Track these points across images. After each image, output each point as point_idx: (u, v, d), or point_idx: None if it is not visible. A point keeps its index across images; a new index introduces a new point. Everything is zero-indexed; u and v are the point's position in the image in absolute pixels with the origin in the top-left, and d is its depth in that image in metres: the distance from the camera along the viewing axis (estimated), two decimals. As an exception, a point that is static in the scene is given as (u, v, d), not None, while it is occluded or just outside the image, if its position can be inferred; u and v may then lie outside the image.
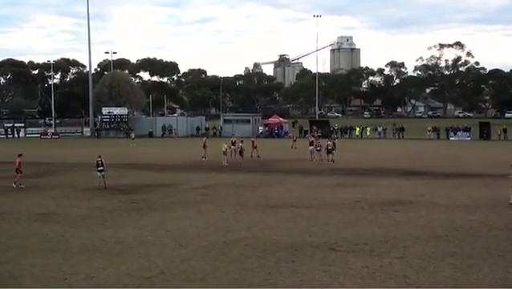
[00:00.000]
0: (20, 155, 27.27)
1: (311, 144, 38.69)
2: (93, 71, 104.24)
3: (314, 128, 67.13)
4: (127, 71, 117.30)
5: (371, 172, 32.56)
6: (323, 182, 27.81)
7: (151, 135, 76.02)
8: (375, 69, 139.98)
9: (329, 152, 37.70)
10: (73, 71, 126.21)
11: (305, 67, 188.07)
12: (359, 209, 20.09)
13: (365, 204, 21.12)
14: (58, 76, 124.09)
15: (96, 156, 26.69)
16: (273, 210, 19.98)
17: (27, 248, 14.72)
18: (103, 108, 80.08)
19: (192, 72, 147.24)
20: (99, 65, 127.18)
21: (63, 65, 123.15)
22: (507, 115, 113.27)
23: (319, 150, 37.50)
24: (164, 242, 15.24)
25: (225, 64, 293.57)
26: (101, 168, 25.91)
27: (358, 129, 73.20)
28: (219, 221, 18.19)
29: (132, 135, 63.90)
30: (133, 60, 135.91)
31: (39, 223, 18.07)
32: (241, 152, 36.43)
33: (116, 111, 79.62)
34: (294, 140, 49.28)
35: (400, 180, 28.75)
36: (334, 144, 39.43)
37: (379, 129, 73.64)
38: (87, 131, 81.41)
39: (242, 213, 19.45)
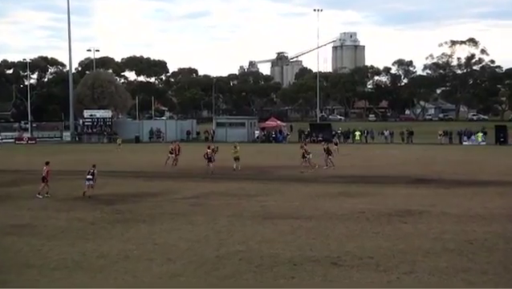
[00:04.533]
0: (48, 163, 27.28)
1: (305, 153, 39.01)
2: (74, 71, 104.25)
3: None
4: (111, 71, 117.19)
5: (377, 179, 32.57)
6: (325, 191, 27.81)
7: (137, 140, 75.96)
8: (381, 68, 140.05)
9: (329, 154, 38.62)
10: (51, 70, 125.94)
11: (305, 65, 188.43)
12: (364, 221, 20.10)
13: (370, 214, 21.13)
14: (35, 76, 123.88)
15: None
16: (270, 222, 19.97)
17: (0, 264, 14.66)
18: (85, 111, 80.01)
19: (182, 71, 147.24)
20: (80, 64, 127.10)
21: (41, 64, 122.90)
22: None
23: (307, 157, 37.81)
24: (152, 257, 15.21)
25: (218, 63, 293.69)
26: (89, 176, 26.24)
27: (358, 133, 73.22)
28: (211, 233, 18.17)
29: (119, 140, 63.89)
30: (118, 58, 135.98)
31: (13, 237, 18.00)
32: (210, 159, 36.57)
33: (99, 114, 79.57)
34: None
35: (409, 188, 28.77)
36: (329, 148, 39.64)
37: (386, 133, 73.76)
38: (66, 135, 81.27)
39: (237, 225, 19.44)
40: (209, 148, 37.90)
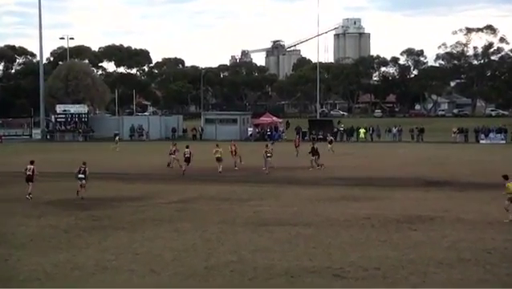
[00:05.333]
0: (32, 162, 27.96)
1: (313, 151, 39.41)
2: (45, 61, 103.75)
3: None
4: (87, 61, 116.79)
5: (384, 182, 32.65)
6: (326, 195, 27.88)
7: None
8: (389, 58, 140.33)
9: (314, 154, 38.82)
10: (20, 60, 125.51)
11: (303, 55, 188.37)
12: (370, 228, 20.19)
13: (376, 221, 21.21)
14: (0, 67, 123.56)
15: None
16: (265, 229, 20.02)
17: (-37, 276, 14.65)
18: (58, 106, 79.70)
19: (166, 62, 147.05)
20: (52, 54, 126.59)
21: (7, 53, 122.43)
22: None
23: (270, 157, 37.98)
24: (133, 268, 15.23)
25: (207, 52, 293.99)
26: (81, 175, 26.86)
27: (363, 131, 73.31)
28: (200, 242, 18.23)
29: (116, 138, 63.70)
30: (95, 47, 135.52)
31: (-22, 246, 17.98)
32: (187, 159, 36.76)
33: (74, 109, 79.31)
34: (297, 146, 49.41)
35: (419, 191, 28.88)
36: (316, 149, 39.69)
37: (394, 130, 73.94)
38: (36, 133, 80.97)
39: (228, 233, 19.49)
40: (187, 147, 38.29)
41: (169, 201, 26.47)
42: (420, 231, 19.51)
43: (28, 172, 27.28)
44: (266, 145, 39.59)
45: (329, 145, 49.49)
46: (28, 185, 27.14)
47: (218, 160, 37.43)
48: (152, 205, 25.25)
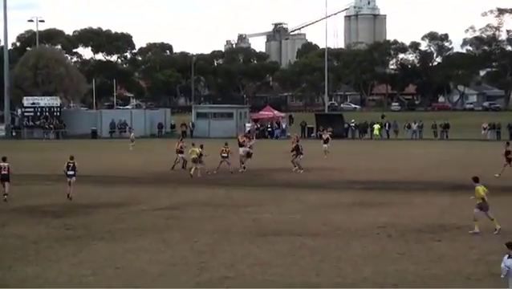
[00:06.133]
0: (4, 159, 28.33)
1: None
2: (10, 47, 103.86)
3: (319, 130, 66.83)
4: (59, 47, 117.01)
5: (402, 186, 32.68)
6: (335, 200, 27.95)
7: (94, 135, 75.85)
8: (408, 43, 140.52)
9: (297, 154, 38.74)
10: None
11: (309, 40, 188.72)
12: (386, 238, 20.22)
13: (394, 230, 21.25)
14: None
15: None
16: (265, 239, 20.07)
17: None
18: (25, 98, 79.74)
19: (152, 48, 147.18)
20: (19, 38, 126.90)
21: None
22: None
23: (226, 157, 37.98)
24: (112, 285, 15.24)
25: (199, 37, 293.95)
26: (71, 171, 27.66)
27: (377, 126, 73.20)
28: (190, 254, 18.26)
29: (132, 135, 63.83)
30: (69, 31, 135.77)
31: None
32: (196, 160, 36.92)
33: (44, 102, 79.32)
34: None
35: (444, 196, 28.95)
36: (298, 147, 39.36)
37: (414, 126, 73.97)
38: (0, 129, 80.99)
39: (223, 244, 19.53)
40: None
41: (155, 207, 26.45)
42: (444, 242, 19.54)
43: (3, 172, 27.43)
44: (226, 143, 39.14)
45: (324, 145, 47.27)
46: (4, 185, 27.39)
47: (194, 161, 36.61)
48: (136, 213, 25.23)
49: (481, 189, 21.21)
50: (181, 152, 39.53)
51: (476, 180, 21.59)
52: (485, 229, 21.42)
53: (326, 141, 47.62)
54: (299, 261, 17.42)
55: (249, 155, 40.10)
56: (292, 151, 39.65)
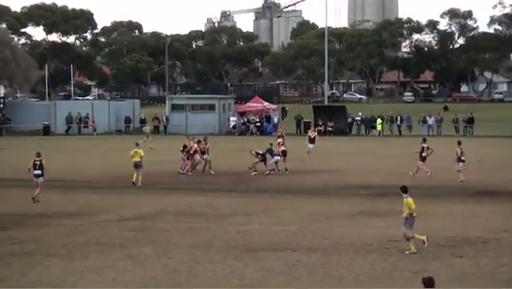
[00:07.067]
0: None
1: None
2: None
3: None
4: (4, 26, 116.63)
5: (417, 192, 32.27)
6: (337, 209, 28.02)
7: (47, 131, 75.58)
8: (424, 22, 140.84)
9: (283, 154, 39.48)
10: None
11: (306, 18, 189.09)
12: (397, 254, 20.24)
13: (406, 244, 21.07)
14: None
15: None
16: (253, 256, 20.05)
17: None
18: (-37, 87, 79.63)
19: (117, 27, 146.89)
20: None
21: None
22: None
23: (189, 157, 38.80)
24: (68, 311, 15.10)
25: (174, 15, 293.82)
26: (38, 171, 28.46)
27: (379, 121, 72.95)
28: (163, 273, 18.24)
29: (147, 128, 63.64)
30: (16, 8, 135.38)
31: None
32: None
33: (-15, 91, 79.24)
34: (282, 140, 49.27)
35: (467, 204, 28.99)
36: (271, 149, 39.56)
37: (431, 121, 73.94)
38: None
39: (202, 261, 19.47)
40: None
41: (121, 217, 26.45)
42: (467, 258, 19.55)
43: None
44: (204, 139, 40.36)
45: (309, 145, 46.52)
46: None
47: (136, 166, 35.53)
48: (98, 224, 25.21)
49: (410, 201, 21.09)
50: (203, 153, 39.93)
51: (404, 190, 21.47)
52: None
53: (312, 141, 46.82)
54: (294, 281, 17.40)
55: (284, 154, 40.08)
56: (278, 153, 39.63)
